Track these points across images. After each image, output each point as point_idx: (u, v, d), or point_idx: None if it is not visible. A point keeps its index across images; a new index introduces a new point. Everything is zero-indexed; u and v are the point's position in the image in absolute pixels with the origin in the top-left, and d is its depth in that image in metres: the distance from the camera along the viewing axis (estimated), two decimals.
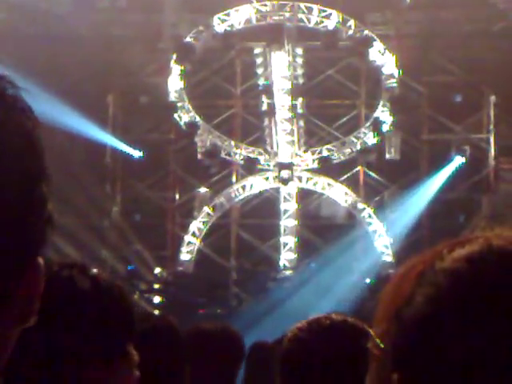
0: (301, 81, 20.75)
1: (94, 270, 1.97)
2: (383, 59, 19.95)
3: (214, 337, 3.81)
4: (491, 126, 20.64)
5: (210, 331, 3.85)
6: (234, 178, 20.96)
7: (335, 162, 20.35)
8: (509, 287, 0.95)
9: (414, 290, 0.99)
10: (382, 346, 1.01)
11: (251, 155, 20.37)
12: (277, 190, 20.69)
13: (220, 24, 20.14)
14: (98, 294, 1.90)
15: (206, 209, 20.42)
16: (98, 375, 1.87)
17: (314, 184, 20.50)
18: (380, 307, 1.04)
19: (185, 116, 20.06)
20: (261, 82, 20.83)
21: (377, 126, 19.86)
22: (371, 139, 19.98)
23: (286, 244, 20.40)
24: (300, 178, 20.44)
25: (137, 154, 20.70)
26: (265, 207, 20.70)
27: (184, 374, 3.05)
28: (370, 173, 20.64)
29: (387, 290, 1.04)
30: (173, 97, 20.00)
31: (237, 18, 20.21)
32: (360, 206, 20.25)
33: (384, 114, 19.87)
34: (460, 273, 0.97)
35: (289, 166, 19.94)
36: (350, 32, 20.12)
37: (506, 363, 0.93)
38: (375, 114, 20.05)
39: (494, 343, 0.92)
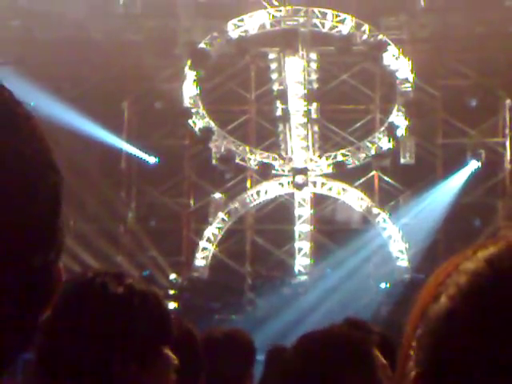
0: (315, 86, 20.74)
1: (130, 279, 2.06)
2: (397, 63, 19.91)
3: (224, 342, 3.81)
4: (507, 130, 20.55)
5: (220, 336, 3.86)
6: (248, 184, 20.96)
7: (350, 166, 20.32)
8: None
9: (440, 290, 1.01)
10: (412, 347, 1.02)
11: (266, 161, 20.37)
12: (291, 195, 20.68)
13: (234, 30, 20.16)
14: (130, 300, 1.96)
15: (221, 214, 20.43)
16: (132, 374, 1.93)
17: (329, 189, 20.47)
18: (413, 309, 1.06)
19: (199, 122, 20.09)
20: (275, 87, 20.83)
21: (391, 130, 19.82)
22: (386, 144, 19.93)
23: (300, 249, 20.38)
24: (314, 183, 20.42)
25: (152, 159, 20.75)
26: (279, 212, 20.68)
27: (200, 381, 3.06)
28: (385, 177, 20.59)
29: (421, 292, 1.06)
30: (187, 102, 20.04)
31: (251, 24, 20.24)
32: (375, 210, 20.20)
33: (399, 119, 19.83)
34: (479, 273, 0.99)
35: (303, 171, 19.92)
36: (364, 37, 20.10)
37: None
38: (390, 119, 20.01)
39: (506, 347, 0.93)
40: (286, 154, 20.51)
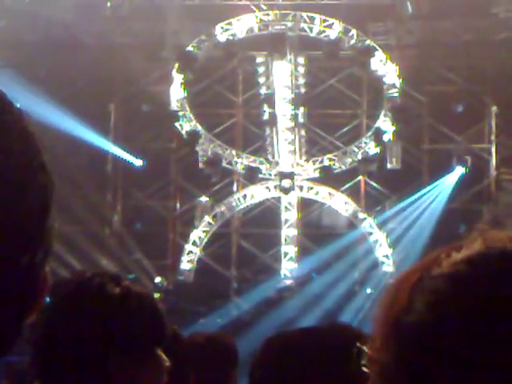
0: (302, 90, 20.77)
1: (127, 281, 2.09)
2: (385, 69, 19.97)
3: (206, 346, 3.82)
4: (493, 137, 20.65)
5: (202, 340, 3.86)
6: (235, 187, 20.96)
7: (336, 171, 20.35)
8: (510, 286, 0.93)
9: (412, 297, 0.97)
10: (382, 357, 0.99)
11: (252, 164, 20.37)
12: (278, 199, 20.69)
13: (222, 33, 20.17)
14: (126, 301, 1.98)
15: (207, 218, 20.42)
16: (127, 374, 1.95)
17: (315, 193, 20.50)
18: (377, 318, 1.02)
19: (186, 125, 20.08)
20: (262, 91, 20.85)
21: (378, 135, 19.87)
22: (372, 149, 19.98)
23: (286, 253, 20.39)
24: (301, 188, 20.44)
25: (138, 162, 20.71)
26: (266, 216, 20.69)
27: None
28: (371, 182, 20.64)
29: (384, 299, 1.02)
30: (174, 106, 20.02)
31: (239, 27, 20.24)
32: (361, 215, 20.24)
33: (385, 124, 19.88)
34: (459, 276, 0.95)
35: (290, 176, 19.94)
36: (352, 42, 20.15)
37: None
38: (376, 124, 20.06)
39: (499, 344, 0.91)
40: (273, 157, 20.53)
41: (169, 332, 3.11)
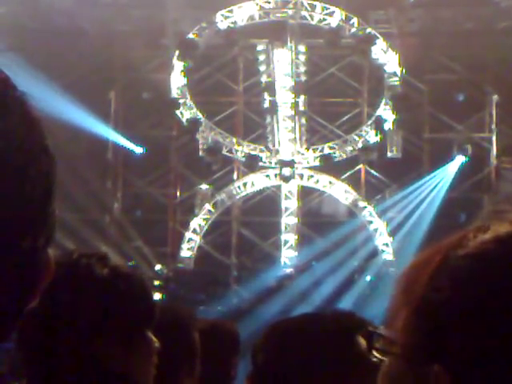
0: (303, 78, 20.73)
1: (114, 261, 2.03)
2: (386, 57, 19.93)
3: (208, 332, 3.81)
4: (493, 126, 20.63)
5: (204, 326, 3.85)
6: (235, 176, 20.95)
7: (337, 160, 20.34)
8: None
9: (437, 276, 0.96)
10: (405, 338, 0.98)
11: (253, 152, 20.36)
12: (278, 187, 20.68)
13: (223, 21, 20.11)
14: (115, 282, 1.94)
15: (207, 206, 20.42)
16: (116, 357, 1.92)
17: (316, 182, 20.49)
18: (396, 300, 1.01)
19: (187, 113, 20.05)
20: (263, 79, 20.81)
21: (379, 124, 19.85)
22: (373, 137, 19.96)
23: (286, 241, 20.40)
24: (301, 176, 20.43)
25: (138, 150, 20.70)
26: (266, 205, 20.69)
27: (194, 369, 3.04)
28: (372, 171, 20.63)
29: (403, 281, 1.01)
30: (175, 93, 19.99)
31: (240, 15, 20.19)
32: (361, 204, 20.24)
33: (386, 113, 19.85)
34: (488, 254, 0.94)
35: (290, 164, 19.93)
36: (353, 30, 20.10)
37: None
38: (377, 113, 20.03)
39: None
40: (273, 146, 20.51)
41: (178, 316, 3.11)
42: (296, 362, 2.06)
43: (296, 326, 2.15)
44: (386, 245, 19.85)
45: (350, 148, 20.22)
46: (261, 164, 20.44)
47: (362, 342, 2.08)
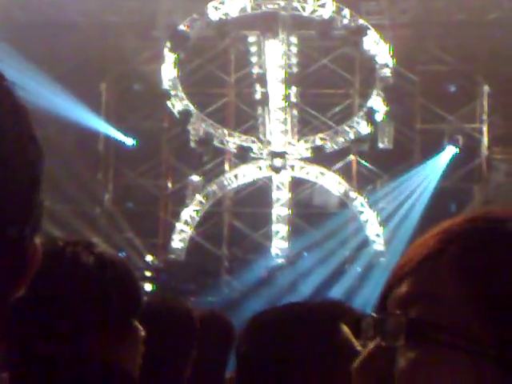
0: (295, 70, 20.71)
1: (100, 248, 1.99)
2: (377, 48, 19.92)
3: (202, 323, 3.82)
4: (484, 116, 20.66)
5: (199, 317, 3.86)
6: (226, 167, 20.95)
7: (328, 151, 20.35)
8: None
9: (445, 245, 0.94)
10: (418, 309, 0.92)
11: (244, 144, 20.35)
12: (269, 178, 20.69)
13: (214, 12, 20.07)
14: (102, 270, 1.91)
15: (199, 197, 20.41)
16: (103, 347, 1.88)
17: (307, 173, 20.50)
18: (396, 271, 0.97)
19: (178, 104, 20.02)
20: (255, 70, 20.78)
21: (370, 115, 19.86)
22: (364, 128, 19.98)
23: (277, 232, 20.41)
24: (293, 167, 20.44)
25: (130, 141, 20.66)
26: (257, 196, 20.69)
27: (189, 359, 3.04)
28: (363, 162, 20.65)
29: (407, 254, 0.98)
30: (166, 85, 19.95)
31: (231, 6, 20.14)
32: (352, 194, 20.26)
33: (377, 104, 19.86)
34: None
35: (282, 155, 19.93)
36: (345, 21, 20.08)
37: None
38: (369, 104, 20.04)
39: None
40: (265, 137, 20.50)
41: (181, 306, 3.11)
42: (280, 352, 2.02)
43: (280, 316, 2.10)
44: (377, 235, 19.88)
45: (342, 139, 20.23)
46: (252, 155, 20.43)
47: (347, 329, 2.06)
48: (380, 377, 0.93)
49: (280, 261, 19.87)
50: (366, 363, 0.95)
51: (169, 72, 19.95)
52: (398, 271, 0.97)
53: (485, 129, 20.66)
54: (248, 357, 2.08)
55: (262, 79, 20.23)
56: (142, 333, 2.00)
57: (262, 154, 20.40)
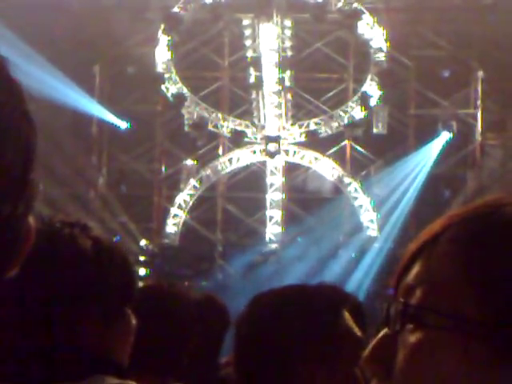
0: (289, 53, 20.65)
1: (96, 231, 1.95)
2: (372, 33, 19.87)
3: (199, 307, 3.80)
4: (478, 102, 20.65)
5: (199, 299, 3.84)
6: (220, 151, 20.91)
7: (322, 135, 20.33)
8: None
9: (444, 229, 0.94)
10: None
11: (238, 128, 20.31)
12: (263, 163, 20.67)
13: None
14: (98, 255, 1.88)
15: (193, 181, 20.39)
16: (93, 331, 1.86)
17: (301, 158, 20.49)
18: (403, 259, 0.97)
19: (172, 87, 19.96)
20: (249, 54, 20.72)
21: (364, 100, 19.83)
22: (359, 113, 19.95)
23: (272, 217, 20.42)
24: (287, 152, 20.42)
25: (123, 125, 20.60)
26: (251, 180, 20.68)
27: (187, 345, 3.02)
28: (357, 147, 20.64)
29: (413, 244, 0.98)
30: (160, 68, 19.88)
31: None
32: (346, 180, 20.26)
33: (372, 88, 19.83)
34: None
35: (276, 140, 19.90)
36: (340, 5, 20.01)
37: None
38: (363, 88, 20.01)
39: None
40: (259, 121, 20.46)
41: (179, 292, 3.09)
42: (281, 334, 2.03)
43: (281, 298, 2.11)
44: (371, 221, 19.90)
45: (336, 124, 20.21)
46: (246, 139, 20.40)
47: (347, 315, 2.07)
48: (388, 365, 0.93)
49: (274, 246, 19.89)
50: (374, 351, 0.95)
51: (162, 55, 19.87)
52: (405, 259, 0.98)
53: (479, 114, 20.66)
54: (249, 338, 2.08)
55: (257, 63, 20.18)
56: (134, 321, 1.97)
57: (256, 138, 20.37)
